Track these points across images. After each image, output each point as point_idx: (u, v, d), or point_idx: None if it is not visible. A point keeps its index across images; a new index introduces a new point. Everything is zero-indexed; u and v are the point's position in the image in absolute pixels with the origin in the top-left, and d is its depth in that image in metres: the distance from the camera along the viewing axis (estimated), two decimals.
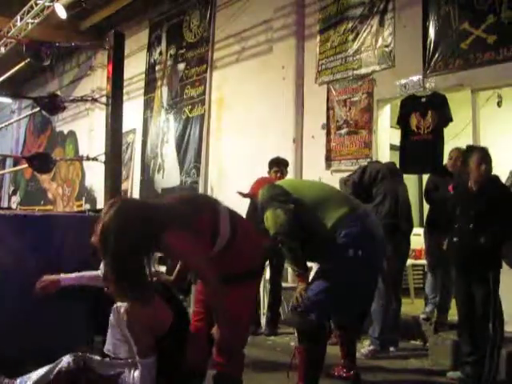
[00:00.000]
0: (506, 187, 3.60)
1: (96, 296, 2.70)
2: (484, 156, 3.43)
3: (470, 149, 3.66)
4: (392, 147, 5.86)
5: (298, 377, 2.84)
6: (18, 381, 2.30)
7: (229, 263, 2.41)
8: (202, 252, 2.28)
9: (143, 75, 9.45)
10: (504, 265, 3.46)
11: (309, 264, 2.98)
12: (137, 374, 2.26)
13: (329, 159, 6.20)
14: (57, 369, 2.24)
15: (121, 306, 2.31)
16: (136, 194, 9.32)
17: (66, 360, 2.26)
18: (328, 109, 6.27)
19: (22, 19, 8.57)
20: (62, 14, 8.04)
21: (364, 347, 4.17)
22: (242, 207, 4.87)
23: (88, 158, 3.83)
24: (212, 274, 2.24)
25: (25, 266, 2.97)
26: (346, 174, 4.94)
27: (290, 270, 5.42)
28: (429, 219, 4.75)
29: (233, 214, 2.49)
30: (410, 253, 5.70)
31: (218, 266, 2.32)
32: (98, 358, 2.36)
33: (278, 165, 4.87)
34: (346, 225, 2.76)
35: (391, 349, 4.28)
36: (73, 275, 2.68)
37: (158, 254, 2.48)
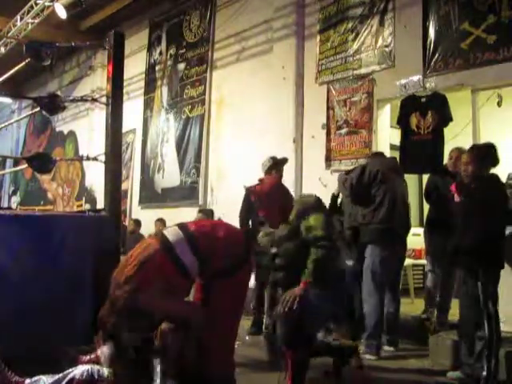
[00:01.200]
0: (498, 186, 3.49)
1: (97, 296, 2.70)
2: (472, 155, 3.44)
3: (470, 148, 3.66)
4: (392, 147, 5.85)
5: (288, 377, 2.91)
6: (27, 381, 2.30)
7: (210, 267, 2.48)
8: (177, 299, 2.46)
9: (143, 75, 9.45)
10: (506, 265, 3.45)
11: None
12: None
13: (329, 159, 6.19)
14: (70, 376, 2.25)
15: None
16: (136, 194, 9.33)
17: (80, 369, 2.27)
18: (328, 109, 6.26)
19: (21, 19, 8.58)
20: (62, 13, 8.04)
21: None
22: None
23: (88, 158, 3.81)
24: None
25: (25, 266, 2.97)
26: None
27: None
28: (429, 219, 4.75)
29: (191, 236, 2.53)
30: (410, 253, 5.73)
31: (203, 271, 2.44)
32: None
33: (277, 166, 4.85)
34: None
35: (392, 348, 4.28)
36: None
37: None
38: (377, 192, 4.24)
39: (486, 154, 3.44)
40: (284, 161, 4.94)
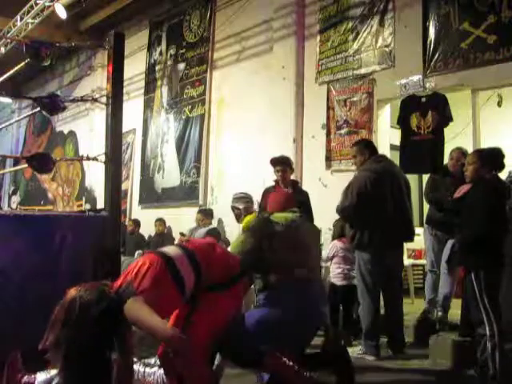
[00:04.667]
0: (494, 190, 3.37)
1: None
2: (473, 156, 3.47)
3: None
4: (392, 147, 5.86)
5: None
6: (38, 375, 2.31)
7: (206, 280, 2.47)
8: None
9: (143, 75, 9.45)
10: None
11: None
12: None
13: (329, 159, 6.19)
14: None
15: None
16: (136, 194, 9.34)
17: None
18: (328, 109, 6.26)
19: (22, 19, 8.59)
20: (62, 13, 8.04)
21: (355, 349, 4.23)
22: None
23: (88, 158, 3.80)
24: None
25: (24, 266, 2.97)
26: (345, 174, 4.92)
27: None
28: (428, 219, 4.75)
29: (189, 251, 2.51)
30: (410, 253, 5.72)
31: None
32: None
33: (280, 164, 4.84)
34: None
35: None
36: None
37: None
38: (365, 211, 4.07)
39: (487, 156, 3.41)
40: (282, 159, 4.88)
